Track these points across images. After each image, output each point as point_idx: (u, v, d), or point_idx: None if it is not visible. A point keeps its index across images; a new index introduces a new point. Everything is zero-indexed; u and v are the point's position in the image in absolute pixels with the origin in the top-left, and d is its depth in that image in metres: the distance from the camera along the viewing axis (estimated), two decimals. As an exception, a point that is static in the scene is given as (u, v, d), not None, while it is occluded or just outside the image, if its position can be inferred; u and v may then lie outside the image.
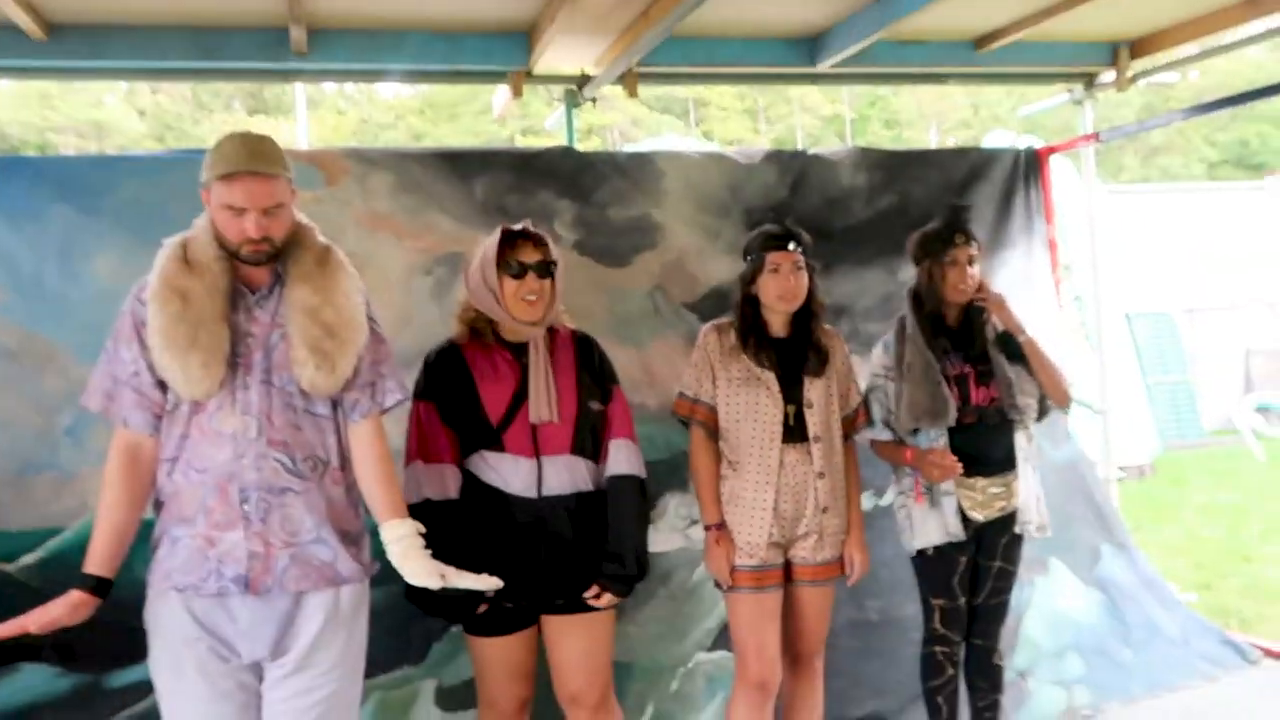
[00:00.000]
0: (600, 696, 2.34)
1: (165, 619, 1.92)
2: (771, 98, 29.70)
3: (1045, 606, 3.62)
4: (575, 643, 2.31)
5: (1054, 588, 3.68)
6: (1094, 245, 4.43)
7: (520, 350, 2.32)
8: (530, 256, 2.31)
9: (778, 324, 2.57)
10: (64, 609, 1.85)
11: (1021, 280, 3.87)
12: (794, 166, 3.60)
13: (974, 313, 2.68)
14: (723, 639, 3.08)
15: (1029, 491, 2.66)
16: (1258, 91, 3.71)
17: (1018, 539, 2.68)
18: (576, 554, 2.28)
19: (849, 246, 3.64)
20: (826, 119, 30.51)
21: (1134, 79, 4.05)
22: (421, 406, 2.28)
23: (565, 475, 2.29)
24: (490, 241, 2.31)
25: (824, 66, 3.66)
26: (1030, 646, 3.52)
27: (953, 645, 2.68)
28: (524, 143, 19.45)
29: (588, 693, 2.32)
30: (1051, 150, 4.19)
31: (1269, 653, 3.86)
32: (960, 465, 2.54)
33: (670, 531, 3.13)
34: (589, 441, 2.33)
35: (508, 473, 2.26)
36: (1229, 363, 12.47)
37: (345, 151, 3.16)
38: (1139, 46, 3.94)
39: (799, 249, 2.52)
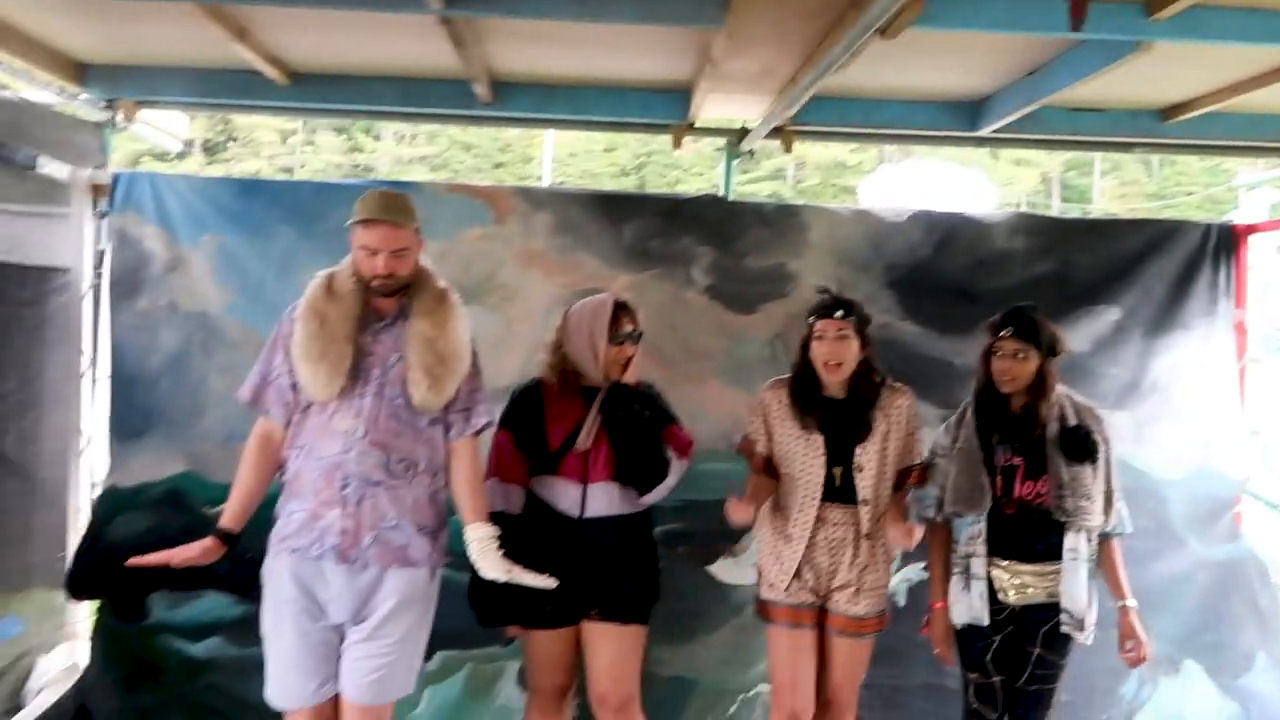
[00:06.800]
0: (623, 701, 2.60)
1: (275, 577, 2.39)
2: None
3: (1165, 710, 3.43)
4: (606, 649, 2.59)
5: (1182, 691, 3.47)
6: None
7: (591, 393, 2.63)
8: (628, 326, 2.63)
9: (834, 387, 2.70)
10: (198, 551, 2.37)
11: (1194, 365, 3.65)
12: (941, 225, 3.62)
13: (1036, 407, 2.66)
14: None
15: (1071, 588, 2.60)
16: None
17: (1062, 632, 2.62)
18: (613, 569, 2.58)
19: (996, 309, 3.61)
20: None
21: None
22: (502, 434, 2.64)
23: (605, 500, 2.59)
24: (603, 310, 2.63)
25: (985, 131, 3.66)
26: (1131, 752, 3.35)
27: (988, 722, 2.67)
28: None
29: (612, 694, 2.59)
30: (1253, 229, 3.88)
31: None
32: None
33: (749, 566, 3.29)
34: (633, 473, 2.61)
35: (559, 494, 2.60)
36: None
37: (515, 190, 3.60)
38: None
39: (846, 317, 2.63)
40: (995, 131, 3.68)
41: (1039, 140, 3.93)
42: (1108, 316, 3.60)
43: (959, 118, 3.71)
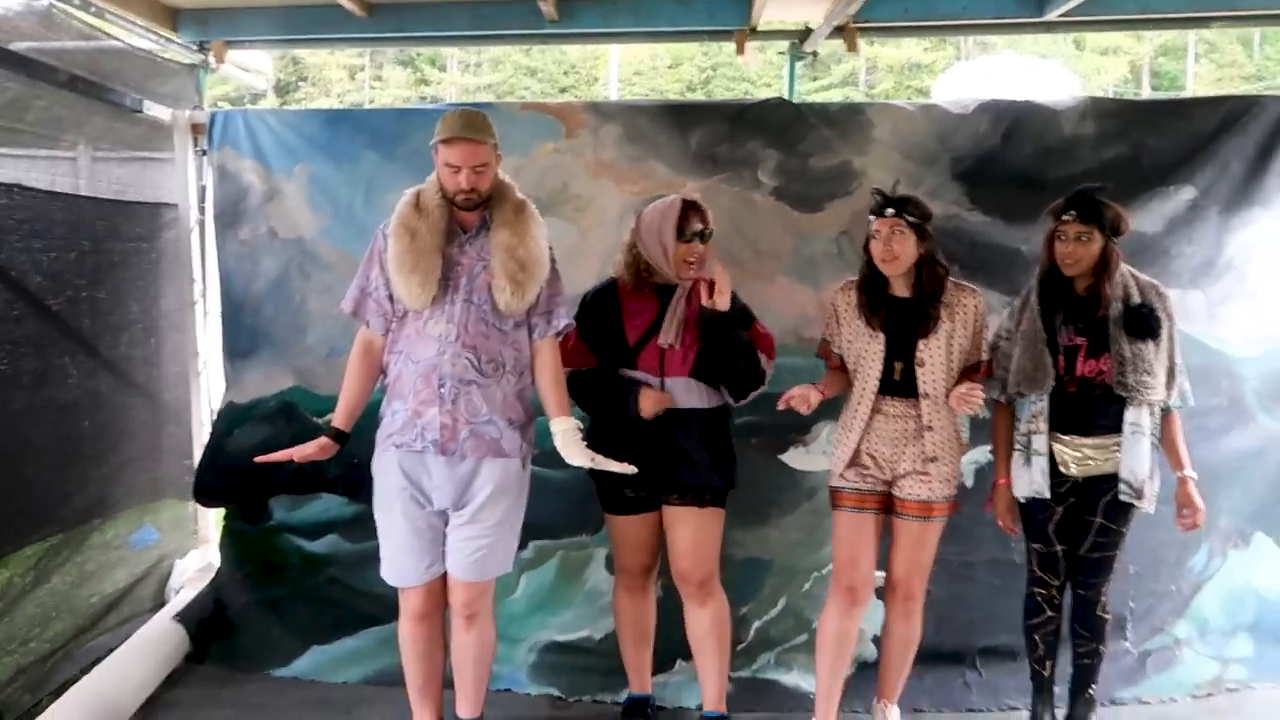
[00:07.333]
0: (703, 578, 2.80)
1: (384, 470, 2.64)
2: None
3: (1234, 581, 3.51)
4: (686, 530, 2.79)
5: (1252, 562, 3.53)
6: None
7: (665, 290, 2.78)
8: (697, 225, 2.74)
9: (899, 284, 2.78)
10: (315, 448, 2.64)
11: (1272, 242, 3.60)
12: (1008, 114, 3.59)
13: (1100, 287, 2.71)
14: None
15: (1131, 459, 2.68)
16: None
17: (1122, 502, 2.72)
18: (691, 456, 2.75)
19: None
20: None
21: None
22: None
23: (683, 393, 2.75)
24: (671, 210, 2.75)
25: (1052, 15, 3.61)
26: (1198, 620, 3.46)
27: (1050, 589, 2.81)
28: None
29: (692, 572, 2.80)
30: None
31: None
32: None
33: (819, 455, 3.46)
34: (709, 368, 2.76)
35: None
36: None
37: (585, 104, 3.71)
38: None
39: (899, 215, 2.69)
40: (1064, 15, 3.62)
41: (1109, 21, 3.86)
42: (1182, 196, 3.55)
43: (1025, 3, 3.67)
